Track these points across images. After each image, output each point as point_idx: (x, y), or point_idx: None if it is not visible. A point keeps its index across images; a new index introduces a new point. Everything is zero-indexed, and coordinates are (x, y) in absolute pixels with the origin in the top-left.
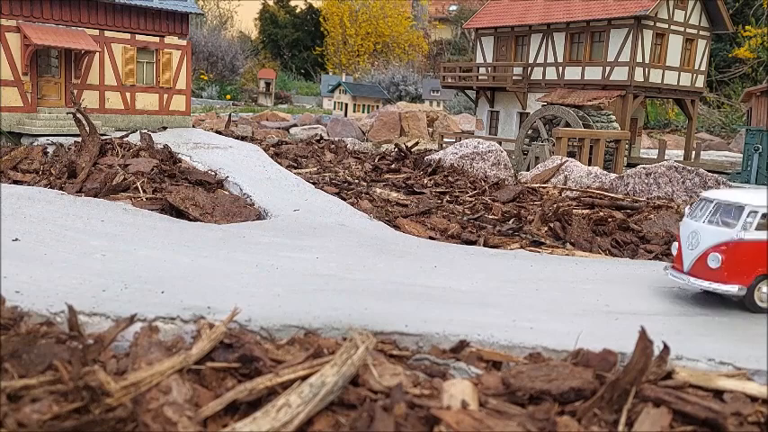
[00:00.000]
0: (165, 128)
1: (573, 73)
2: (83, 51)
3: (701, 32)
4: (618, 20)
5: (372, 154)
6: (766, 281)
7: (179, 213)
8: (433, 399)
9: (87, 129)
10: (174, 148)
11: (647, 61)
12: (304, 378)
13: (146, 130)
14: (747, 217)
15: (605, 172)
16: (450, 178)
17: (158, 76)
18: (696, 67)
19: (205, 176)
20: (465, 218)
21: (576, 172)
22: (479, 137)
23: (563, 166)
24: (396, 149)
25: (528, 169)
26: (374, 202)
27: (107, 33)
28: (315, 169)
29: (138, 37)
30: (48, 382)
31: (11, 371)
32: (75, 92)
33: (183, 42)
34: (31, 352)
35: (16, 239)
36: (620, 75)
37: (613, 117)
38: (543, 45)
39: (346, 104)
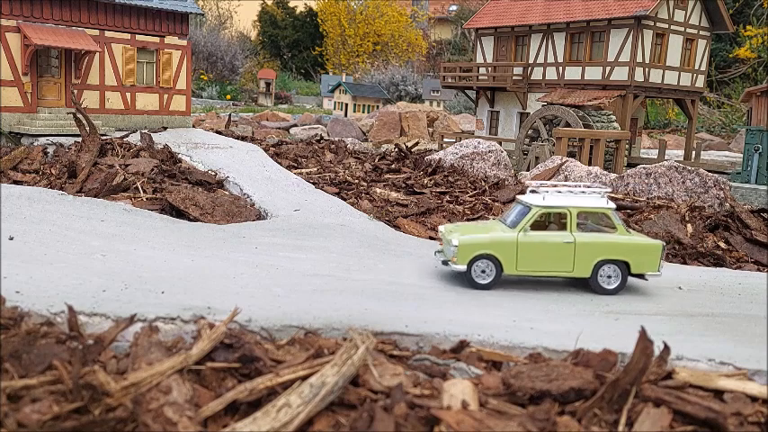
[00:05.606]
0: (165, 128)
1: (573, 73)
2: (83, 51)
3: (702, 32)
4: (618, 20)
5: (372, 154)
6: None
7: (179, 213)
8: (433, 399)
9: (87, 129)
10: (174, 148)
11: (647, 61)
12: (304, 378)
13: (146, 130)
14: None
15: (605, 172)
16: (450, 178)
17: (158, 76)
18: (696, 67)
19: (205, 176)
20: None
21: (576, 172)
22: (479, 137)
23: (563, 167)
24: (396, 149)
25: (528, 169)
26: (374, 202)
27: (107, 33)
28: (315, 169)
29: (138, 37)
30: (48, 382)
31: (11, 371)
32: (76, 92)
33: (183, 42)
34: (31, 352)
35: (11, 238)
36: (620, 75)
37: (613, 117)
38: (543, 45)
39: (346, 104)
